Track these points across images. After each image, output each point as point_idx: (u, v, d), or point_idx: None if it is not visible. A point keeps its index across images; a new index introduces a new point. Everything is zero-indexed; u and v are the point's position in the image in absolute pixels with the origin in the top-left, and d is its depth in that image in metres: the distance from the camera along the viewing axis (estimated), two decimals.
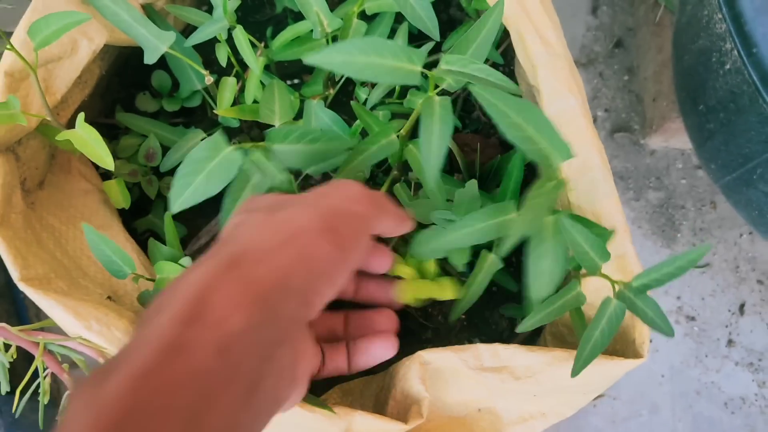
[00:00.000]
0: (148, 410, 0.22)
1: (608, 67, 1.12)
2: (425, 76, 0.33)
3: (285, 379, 0.30)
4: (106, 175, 0.58)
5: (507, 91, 0.30)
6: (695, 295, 1.01)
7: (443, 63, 0.31)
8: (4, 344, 0.40)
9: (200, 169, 0.36)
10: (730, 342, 0.99)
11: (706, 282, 1.02)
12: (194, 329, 0.24)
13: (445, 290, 0.48)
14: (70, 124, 0.51)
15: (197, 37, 0.51)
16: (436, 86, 0.36)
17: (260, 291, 0.27)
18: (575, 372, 0.37)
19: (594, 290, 0.44)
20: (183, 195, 0.35)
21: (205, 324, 0.25)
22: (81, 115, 0.43)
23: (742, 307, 1.01)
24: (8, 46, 0.41)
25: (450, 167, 0.61)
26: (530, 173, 0.59)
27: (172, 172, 0.57)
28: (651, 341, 1.00)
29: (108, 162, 0.42)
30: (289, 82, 0.66)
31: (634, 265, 0.43)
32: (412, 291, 0.46)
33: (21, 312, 0.90)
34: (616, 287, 0.38)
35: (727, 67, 0.70)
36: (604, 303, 0.37)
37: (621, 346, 0.45)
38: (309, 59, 0.28)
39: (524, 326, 0.39)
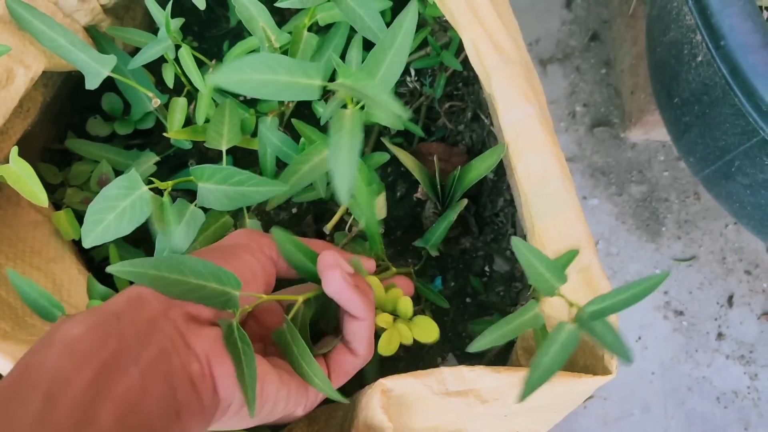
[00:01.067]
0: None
1: (585, 61, 1.11)
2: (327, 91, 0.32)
3: (172, 357, 0.31)
4: (58, 204, 0.56)
5: (393, 112, 0.28)
6: (682, 289, 0.99)
7: (340, 77, 0.30)
8: None
9: (112, 207, 0.34)
10: (719, 335, 0.98)
11: (693, 275, 1.00)
12: (45, 349, 0.29)
13: (429, 333, 0.46)
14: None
15: (140, 59, 0.49)
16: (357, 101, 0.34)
17: (102, 309, 0.32)
18: (522, 398, 0.35)
19: (558, 307, 0.43)
20: (94, 231, 0.34)
21: (52, 342, 0.30)
22: (14, 150, 0.41)
23: (730, 298, 0.99)
24: None
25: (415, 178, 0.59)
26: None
27: None
28: (640, 339, 0.98)
29: (41, 198, 0.40)
30: (245, 98, 0.64)
31: (599, 278, 0.41)
32: (395, 342, 0.45)
33: None
34: (572, 310, 0.37)
35: (699, 59, 0.69)
36: (557, 328, 0.35)
37: (591, 362, 0.43)
38: (210, 80, 0.27)
39: (476, 346, 0.37)
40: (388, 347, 0.45)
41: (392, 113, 0.27)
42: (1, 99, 0.46)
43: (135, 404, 0.29)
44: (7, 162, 0.46)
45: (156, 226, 0.36)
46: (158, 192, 0.39)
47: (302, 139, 0.46)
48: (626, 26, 1.04)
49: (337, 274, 0.37)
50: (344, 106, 0.35)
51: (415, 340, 0.46)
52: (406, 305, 0.47)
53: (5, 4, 0.47)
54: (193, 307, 0.34)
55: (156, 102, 0.52)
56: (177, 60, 0.52)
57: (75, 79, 0.58)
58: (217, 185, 0.37)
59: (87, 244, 0.35)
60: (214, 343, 0.33)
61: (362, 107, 0.32)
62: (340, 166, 0.30)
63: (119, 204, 0.35)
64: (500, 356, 0.55)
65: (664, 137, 1.04)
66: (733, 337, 0.97)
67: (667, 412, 0.95)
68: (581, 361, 0.44)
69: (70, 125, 0.61)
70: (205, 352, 0.33)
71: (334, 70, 0.40)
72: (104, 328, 0.30)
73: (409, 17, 0.30)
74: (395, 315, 0.47)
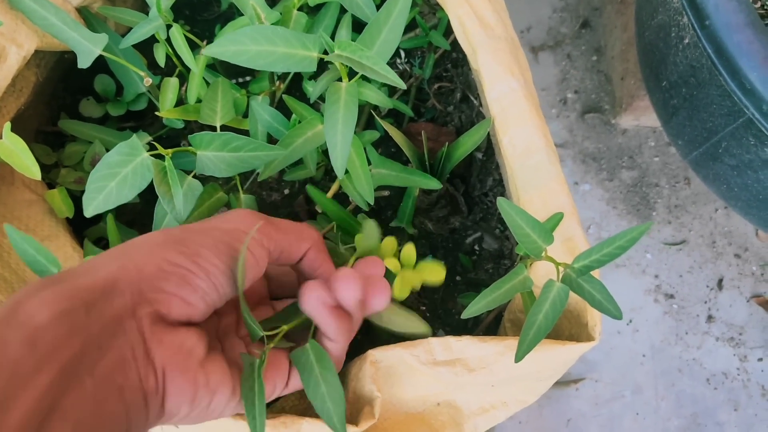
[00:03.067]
0: None
1: (576, 48, 1.11)
2: (325, 63, 0.32)
3: (130, 368, 0.30)
4: (51, 184, 0.57)
5: (390, 83, 0.29)
6: (673, 273, 1.00)
7: (337, 48, 0.30)
8: None
9: (114, 174, 0.35)
10: (709, 318, 0.99)
11: (683, 259, 1.01)
12: (6, 328, 0.27)
13: (436, 273, 0.45)
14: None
15: (132, 38, 0.50)
16: (355, 73, 0.35)
17: (73, 291, 0.29)
18: (518, 357, 0.36)
19: (545, 275, 0.43)
20: (96, 199, 0.34)
21: (15, 322, 0.27)
22: (7, 125, 0.42)
23: (720, 282, 1.00)
24: None
25: (405, 157, 0.60)
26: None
27: None
28: (631, 322, 1.00)
29: (35, 172, 0.40)
30: (240, 80, 0.65)
31: (583, 248, 0.42)
32: (407, 284, 0.45)
33: None
34: (561, 270, 0.37)
35: (686, 41, 0.70)
36: (546, 286, 0.36)
37: (576, 330, 0.44)
38: (206, 51, 0.27)
39: (469, 312, 0.38)
40: (402, 290, 0.45)
41: (390, 83, 0.28)
42: None
43: (86, 422, 0.27)
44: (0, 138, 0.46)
45: (158, 191, 0.36)
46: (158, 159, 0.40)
47: (293, 116, 0.47)
48: (616, 13, 1.05)
49: (314, 296, 0.36)
50: (339, 80, 0.36)
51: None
52: (410, 252, 0.47)
53: None
54: (164, 305, 0.32)
55: (148, 81, 0.52)
56: (168, 41, 0.52)
57: (68, 61, 0.59)
58: (216, 152, 0.38)
59: (89, 212, 0.36)
60: (174, 355, 0.32)
61: (358, 81, 0.33)
62: (337, 137, 0.31)
63: (121, 170, 0.35)
64: (489, 331, 0.56)
65: (655, 123, 1.05)
66: (723, 320, 0.98)
67: (658, 394, 0.96)
68: (566, 330, 0.45)
69: (62, 107, 0.62)
70: (163, 364, 0.31)
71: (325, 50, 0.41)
72: (71, 320, 0.28)
73: None
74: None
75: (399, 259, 0.46)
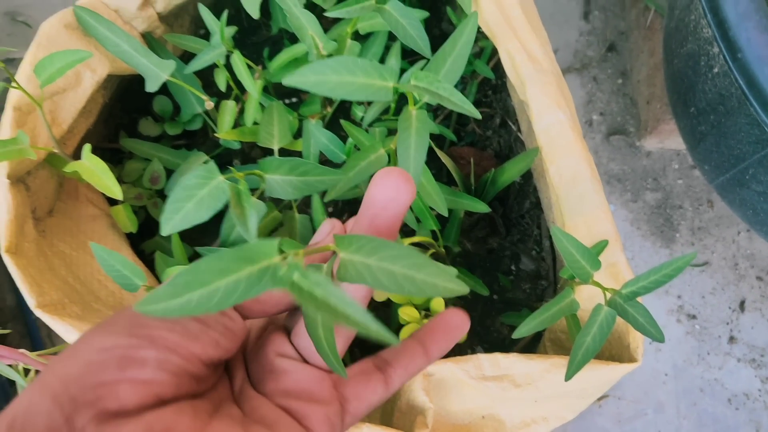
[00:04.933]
0: None
1: (602, 71, 1.14)
2: (399, 92, 0.35)
3: None
4: (113, 199, 0.60)
5: (465, 112, 0.31)
6: (695, 294, 1.02)
7: (413, 79, 0.33)
8: (24, 369, 0.42)
9: (191, 196, 0.37)
10: (731, 339, 1.00)
11: (706, 280, 1.03)
12: None
13: None
14: (77, 153, 0.53)
15: (196, 64, 0.53)
16: (418, 101, 0.37)
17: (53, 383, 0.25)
18: (568, 376, 0.38)
19: (587, 298, 0.46)
20: (173, 219, 0.37)
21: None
22: (87, 147, 0.45)
23: (742, 304, 1.02)
24: (14, 85, 0.42)
25: (448, 179, 0.62)
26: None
27: None
28: (653, 342, 1.01)
29: (116, 192, 0.43)
30: (287, 101, 0.68)
31: (626, 273, 0.44)
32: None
33: (33, 333, 0.92)
34: (607, 295, 0.40)
35: (715, 70, 0.72)
36: (595, 310, 0.38)
37: (617, 351, 0.46)
38: (286, 81, 0.30)
39: (520, 332, 0.41)
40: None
41: (465, 113, 0.30)
42: (70, 100, 0.49)
43: None
44: (73, 159, 0.49)
45: (232, 212, 0.39)
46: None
47: (350, 140, 0.50)
48: (643, 38, 1.07)
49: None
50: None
51: None
52: (439, 304, 0.50)
53: (73, 12, 0.51)
54: (109, 398, 0.25)
55: (210, 104, 0.55)
56: (226, 65, 0.55)
57: (125, 82, 0.62)
58: (284, 176, 0.40)
59: (165, 231, 0.38)
60: None
61: (422, 108, 0.36)
62: (409, 162, 0.33)
63: (197, 192, 0.38)
64: (526, 349, 0.58)
65: (679, 146, 1.07)
66: (745, 341, 1.00)
67: (680, 413, 0.97)
68: (607, 351, 0.47)
69: (119, 126, 0.65)
70: None
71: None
72: None
73: (469, 27, 0.33)
74: (426, 310, 0.50)
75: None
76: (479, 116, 0.31)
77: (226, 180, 0.41)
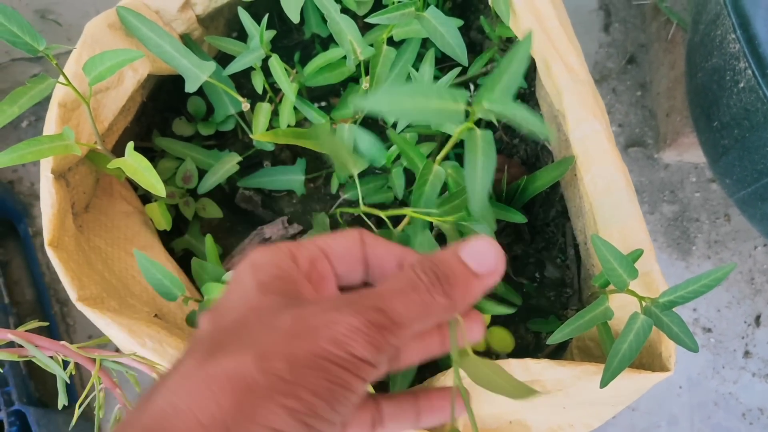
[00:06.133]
0: None
1: (621, 83, 1.14)
2: (467, 113, 0.35)
3: None
4: (145, 197, 0.60)
5: (538, 133, 0.31)
6: (711, 307, 1.02)
7: (485, 102, 0.33)
8: (63, 361, 0.42)
9: None
10: (746, 353, 1.00)
11: (722, 294, 1.03)
12: None
13: (506, 344, 0.50)
14: (115, 150, 0.53)
15: (235, 66, 0.54)
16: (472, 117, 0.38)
17: None
18: (603, 383, 0.38)
19: (619, 306, 0.46)
20: None
21: None
22: (130, 144, 0.45)
23: (758, 318, 1.02)
24: (64, 82, 0.43)
25: None
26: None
27: (208, 193, 0.59)
28: None
29: (159, 189, 0.44)
30: (317, 105, 0.68)
31: (659, 282, 0.44)
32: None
33: (52, 328, 0.92)
34: (644, 303, 0.40)
35: (741, 85, 0.72)
36: (632, 318, 0.39)
37: (648, 360, 0.46)
38: (360, 104, 0.30)
39: (554, 338, 0.41)
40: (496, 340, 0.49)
41: (536, 130, 0.31)
42: (112, 98, 0.50)
43: None
44: (112, 156, 0.50)
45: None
46: None
47: (393, 148, 0.51)
48: (664, 51, 1.08)
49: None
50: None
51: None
52: (501, 336, 0.51)
53: (116, 12, 0.52)
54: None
55: (246, 106, 0.56)
56: (262, 68, 0.56)
57: (159, 82, 0.63)
58: None
59: None
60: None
61: (487, 127, 0.36)
62: (476, 183, 0.33)
63: None
64: (552, 356, 0.58)
65: (697, 159, 1.08)
66: (760, 356, 1.00)
67: (694, 426, 0.97)
68: (638, 361, 0.48)
69: (152, 125, 0.66)
70: None
71: None
72: None
73: (525, 45, 0.34)
74: None
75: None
76: (555, 139, 0.32)
77: None
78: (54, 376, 0.52)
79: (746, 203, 0.83)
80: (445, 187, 0.47)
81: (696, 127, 0.90)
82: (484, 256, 0.31)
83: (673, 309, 0.40)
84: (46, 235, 0.44)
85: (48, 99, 0.47)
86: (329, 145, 0.46)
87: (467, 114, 0.33)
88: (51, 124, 0.46)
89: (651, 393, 0.99)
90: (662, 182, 1.09)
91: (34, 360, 0.42)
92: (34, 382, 0.84)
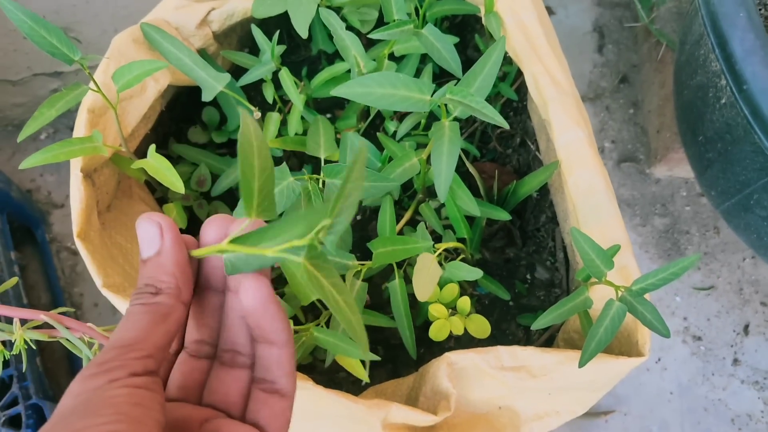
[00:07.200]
0: None
1: (614, 101, 1.19)
2: (436, 105, 0.40)
3: None
4: (161, 200, 0.65)
5: (494, 122, 0.36)
6: (701, 316, 1.06)
7: (448, 93, 0.38)
8: (88, 342, 0.46)
9: None
10: (735, 361, 1.04)
11: (712, 304, 1.06)
12: None
13: (483, 330, 0.54)
14: (136, 155, 0.58)
15: (248, 78, 0.58)
16: (450, 114, 0.42)
17: None
18: (582, 363, 0.42)
19: (599, 298, 0.50)
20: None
21: None
22: (152, 147, 0.50)
23: (746, 327, 1.05)
24: (95, 89, 0.48)
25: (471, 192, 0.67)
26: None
27: (221, 197, 0.64)
28: (659, 360, 1.05)
29: (179, 186, 0.48)
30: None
31: (635, 275, 0.48)
32: (445, 331, 0.53)
33: None
34: (619, 292, 0.44)
35: (723, 101, 0.77)
36: (607, 304, 0.43)
37: (626, 348, 0.50)
38: (335, 92, 0.34)
39: (538, 324, 0.45)
40: (438, 333, 0.53)
41: (493, 123, 0.35)
42: (135, 106, 0.55)
43: None
44: (134, 158, 0.55)
45: (304, 208, 0.44)
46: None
47: (385, 151, 0.55)
48: (654, 70, 1.13)
49: (263, 283, 0.27)
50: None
51: (464, 333, 0.54)
52: (465, 303, 0.55)
53: (140, 28, 0.56)
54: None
55: (257, 115, 0.60)
56: (272, 80, 0.61)
57: (176, 93, 0.68)
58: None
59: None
60: None
61: (454, 120, 0.41)
62: (442, 167, 0.38)
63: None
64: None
65: (687, 174, 1.12)
66: (749, 364, 1.03)
67: (684, 431, 1.00)
68: (617, 349, 0.51)
69: (168, 133, 0.70)
70: None
71: None
72: None
73: (498, 49, 0.38)
74: (453, 309, 0.55)
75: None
76: (507, 126, 0.36)
77: (295, 180, 0.46)
78: (67, 374, 0.56)
79: (731, 214, 0.87)
80: None
81: (683, 141, 0.94)
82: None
83: (660, 314, 0.44)
84: (75, 228, 0.49)
85: (67, 112, 0.51)
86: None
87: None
88: (80, 128, 0.50)
89: (643, 398, 1.02)
90: (654, 196, 1.13)
91: (62, 342, 0.46)
92: (49, 380, 0.88)
